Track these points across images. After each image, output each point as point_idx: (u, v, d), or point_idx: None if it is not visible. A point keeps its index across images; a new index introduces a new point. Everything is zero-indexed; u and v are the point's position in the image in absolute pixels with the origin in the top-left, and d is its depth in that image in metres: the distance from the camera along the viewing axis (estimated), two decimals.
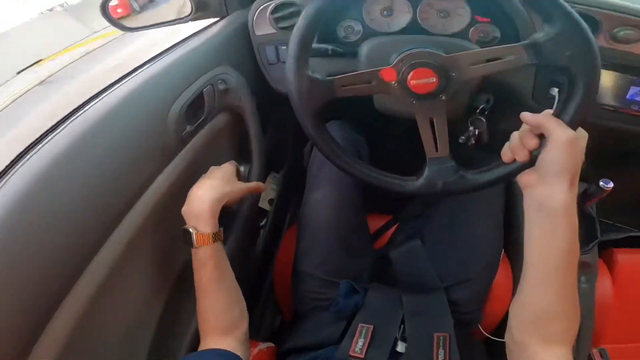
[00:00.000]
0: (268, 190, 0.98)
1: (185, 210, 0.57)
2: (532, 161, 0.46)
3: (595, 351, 0.75)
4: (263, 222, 1.05)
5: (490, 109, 0.73)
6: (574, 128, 0.45)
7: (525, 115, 0.46)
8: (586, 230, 0.78)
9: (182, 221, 0.59)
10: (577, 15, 0.45)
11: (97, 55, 4.90)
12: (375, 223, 0.87)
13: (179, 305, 0.68)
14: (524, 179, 0.46)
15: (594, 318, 0.76)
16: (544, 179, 0.44)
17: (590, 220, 0.79)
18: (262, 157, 0.83)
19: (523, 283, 0.47)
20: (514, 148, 0.47)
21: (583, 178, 0.80)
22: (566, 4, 0.45)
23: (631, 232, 0.94)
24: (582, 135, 0.46)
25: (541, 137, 0.45)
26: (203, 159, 0.71)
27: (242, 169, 0.83)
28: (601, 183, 0.69)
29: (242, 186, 0.65)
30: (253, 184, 0.69)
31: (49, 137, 0.46)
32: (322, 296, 0.68)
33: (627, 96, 0.72)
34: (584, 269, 0.77)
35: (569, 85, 0.48)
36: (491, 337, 0.76)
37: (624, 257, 0.83)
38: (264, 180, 0.87)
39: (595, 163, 0.87)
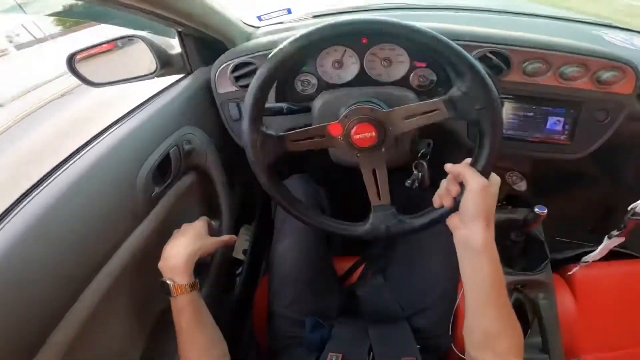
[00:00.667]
0: (242, 242, 1.01)
1: (161, 265, 0.61)
2: (455, 206, 0.53)
3: None
4: (239, 270, 1.06)
5: (432, 151, 0.79)
6: (487, 175, 0.52)
7: (447, 166, 0.54)
8: (535, 252, 0.83)
9: (157, 276, 0.61)
10: (482, 71, 0.52)
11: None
12: (345, 264, 0.90)
13: (160, 349, 0.69)
14: (451, 221, 0.53)
15: (560, 331, 0.79)
16: (464, 222, 0.51)
17: (538, 242, 0.85)
18: (231, 212, 0.86)
19: (467, 308, 0.54)
20: (442, 195, 0.55)
21: (525, 205, 0.88)
22: (474, 61, 0.52)
23: (585, 248, 1.00)
24: (494, 181, 0.53)
25: (462, 184, 0.52)
26: (173, 217, 0.73)
27: (213, 223, 0.87)
28: (536, 209, 0.75)
29: (214, 241, 0.69)
30: (224, 238, 0.73)
31: (21, 205, 0.49)
32: (292, 334, 0.72)
33: (547, 127, 0.79)
34: (540, 286, 0.82)
35: (479, 138, 0.55)
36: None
37: (579, 272, 0.87)
38: (236, 233, 0.91)
39: (535, 190, 0.95)
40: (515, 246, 0.83)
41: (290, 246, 0.79)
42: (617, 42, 0.99)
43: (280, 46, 0.55)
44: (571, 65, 0.74)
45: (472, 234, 0.50)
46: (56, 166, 0.57)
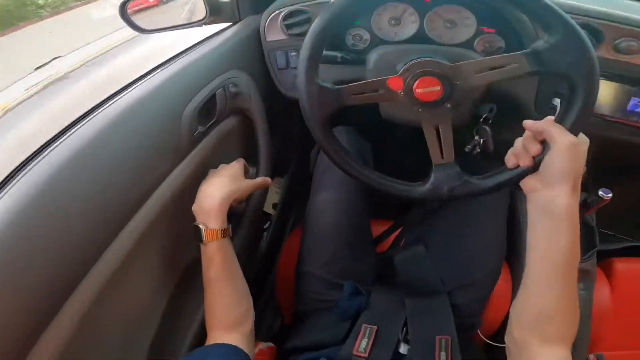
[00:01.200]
0: (272, 194, 1.00)
1: (195, 207, 0.59)
2: (535, 166, 0.48)
3: (592, 357, 0.76)
4: (267, 225, 1.06)
5: (494, 118, 0.74)
6: (576, 134, 0.47)
7: (528, 122, 0.48)
8: (585, 239, 0.78)
9: (192, 218, 0.60)
10: (575, 24, 0.47)
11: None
12: (377, 228, 0.88)
13: (184, 301, 0.69)
14: (528, 183, 0.48)
15: (591, 324, 0.77)
16: (548, 183, 0.46)
17: (589, 229, 0.80)
18: (269, 161, 0.85)
19: (525, 284, 0.49)
20: (517, 154, 0.49)
21: (583, 188, 0.82)
22: (564, 14, 0.47)
23: (630, 243, 0.96)
24: (584, 140, 0.48)
25: (543, 143, 0.47)
26: (213, 159, 0.73)
27: (250, 170, 0.86)
28: (600, 192, 0.70)
29: (249, 183, 0.67)
30: (260, 180, 0.71)
31: (69, 133, 0.49)
32: (325, 297, 0.69)
33: (628, 108, 0.73)
34: (582, 276, 0.78)
35: (569, 93, 0.50)
36: (490, 343, 0.77)
37: (623, 266, 0.84)
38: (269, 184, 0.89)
39: (595, 173, 0.89)
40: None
41: (330, 199, 0.75)
42: None
43: None
44: None
45: (556, 197, 0.45)
46: (105, 99, 0.56)
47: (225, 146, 0.78)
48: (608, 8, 0.73)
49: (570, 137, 0.44)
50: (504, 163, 0.53)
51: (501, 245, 0.72)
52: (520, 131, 0.51)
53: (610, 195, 0.70)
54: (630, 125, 0.75)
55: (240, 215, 0.81)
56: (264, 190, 0.85)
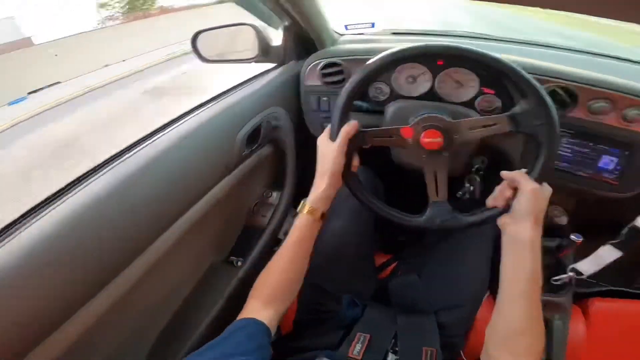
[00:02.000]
0: (288, 223, 1.09)
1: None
2: (507, 207, 0.61)
3: None
4: (276, 248, 1.17)
5: (485, 169, 0.85)
6: (540, 183, 0.60)
7: (504, 173, 0.62)
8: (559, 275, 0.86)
9: (224, 223, 0.74)
10: (545, 94, 0.60)
11: None
12: (379, 259, 0.98)
13: (195, 307, 0.79)
14: (502, 220, 0.61)
15: (566, 353, 0.83)
16: (515, 220, 0.58)
17: (562, 267, 0.88)
18: (292, 186, 0.99)
19: (497, 304, 0.58)
20: (495, 197, 0.63)
21: (560, 234, 0.92)
22: (538, 85, 0.60)
23: (608, 287, 1.04)
24: (546, 189, 0.60)
25: (515, 189, 0.60)
26: (250, 178, 0.88)
27: (274, 194, 1.00)
28: (572, 237, 0.79)
29: (335, 154, 0.66)
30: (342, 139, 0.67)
31: (144, 144, 0.63)
32: (324, 308, 0.76)
33: (599, 164, 0.82)
34: (558, 309, 0.87)
35: (535, 150, 0.63)
36: None
37: (598, 305, 0.91)
38: (292, 206, 1.02)
39: (575, 227, 0.99)
40: (545, 269, 0.88)
41: (344, 226, 0.83)
42: None
43: (374, 59, 0.65)
44: (635, 108, 0.76)
45: (521, 229, 0.56)
46: (170, 121, 0.71)
47: (260, 168, 0.93)
48: (585, 69, 0.82)
49: (533, 185, 0.57)
50: (484, 206, 0.66)
51: (485, 274, 0.81)
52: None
53: (581, 239, 0.78)
54: (602, 181, 0.83)
55: (262, 229, 0.94)
56: (284, 211, 0.98)
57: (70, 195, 0.51)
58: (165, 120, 0.71)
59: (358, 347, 0.64)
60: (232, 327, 0.54)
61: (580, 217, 1.00)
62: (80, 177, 0.55)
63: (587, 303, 0.92)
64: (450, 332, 0.74)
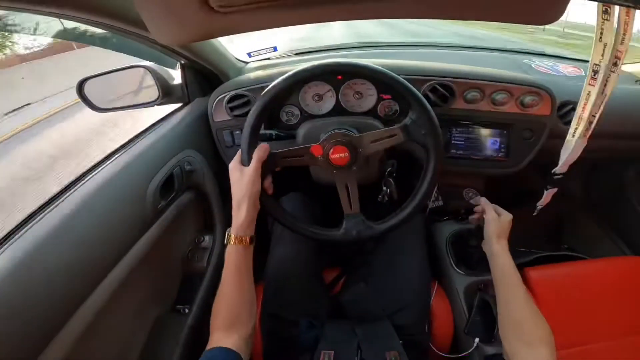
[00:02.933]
0: None
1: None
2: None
3: None
4: None
5: (397, 170, 0.91)
6: (434, 182, 0.71)
7: (481, 200, 0.85)
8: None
9: (157, 278, 0.70)
10: (426, 104, 0.67)
11: None
12: (330, 274, 0.98)
13: (153, 351, 0.75)
14: (483, 246, 0.81)
15: None
16: (485, 241, 0.80)
17: None
18: (223, 227, 0.95)
19: (498, 306, 0.73)
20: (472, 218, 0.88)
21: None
22: (420, 96, 0.67)
23: (538, 254, 1.13)
24: (505, 217, 0.80)
25: None
26: (174, 228, 0.83)
27: (206, 237, 0.95)
28: (465, 192, 0.91)
29: (249, 180, 0.66)
30: (255, 162, 0.67)
31: (47, 210, 0.57)
32: (287, 334, 0.76)
33: (487, 146, 0.93)
34: None
35: (426, 155, 0.70)
36: (446, 356, 0.86)
37: (536, 274, 0.96)
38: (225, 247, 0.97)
39: (498, 202, 1.07)
40: (475, 251, 0.92)
41: (288, 251, 0.85)
42: (542, 69, 1.13)
43: (275, 82, 0.67)
44: (499, 92, 0.88)
45: (490, 247, 0.77)
46: (77, 179, 0.66)
47: (185, 215, 0.88)
48: (464, 64, 0.94)
49: (492, 214, 0.80)
50: (398, 207, 0.73)
51: (424, 272, 0.86)
52: (415, 179, 0.72)
53: (478, 195, 0.92)
54: (493, 160, 0.94)
55: (202, 274, 0.89)
56: (220, 252, 0.94)
57: None
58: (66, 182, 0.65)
59: None
60: None
61: (494, 195, 1.09)
62: None
63: (524, 274, 0.97)
64: (409, 331, 0.77)
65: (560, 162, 0.82)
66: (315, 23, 0.40)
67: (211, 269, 0.90)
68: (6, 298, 0.45)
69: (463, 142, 0.94)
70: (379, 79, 0.68)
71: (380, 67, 0.67)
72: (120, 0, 0.61)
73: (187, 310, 0.84)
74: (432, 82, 0.89)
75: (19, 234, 0.52)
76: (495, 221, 0.78)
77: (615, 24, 0.56)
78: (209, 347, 0.59)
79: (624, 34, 0.56)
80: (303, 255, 0.86)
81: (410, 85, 0.67)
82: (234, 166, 0.68)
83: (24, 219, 0.55)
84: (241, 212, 0.65)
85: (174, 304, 0.87)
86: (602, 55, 0.61)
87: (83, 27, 0.67)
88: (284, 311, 0.78)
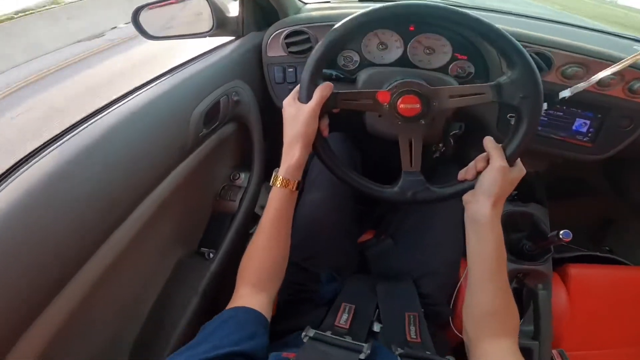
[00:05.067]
0: (263, 197, 1.05)
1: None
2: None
3: (555, 352, 0.81)
4: (252, 230, 1.11)
5: (462, 134, 0.84)
6: (513, 159, 0.58)
7: (485, 139, 0.59)
8: (543, 248, 0.87)
9: (190, 212, 0.67)
10: (533, 64, 0.57)
11: None
12: (359, 228, 0.94)
13: (173, 296, 0.73)
14: (464, 197, 0.58)
15: (552, 320, 0.84)
16: (475, 197, 0.56)
17: (544, 236, 0.89)
18: (262, 166, 0.92)
19: (468, 285, 0.57)
20: (468, 169, 0.60)
21: (536, 201, 0.92)
22: (527, 55, 0.57)
23: (582, 251, 1.07)
24: (517, 169, 0.57)
25: (487, 164, 0.57)
26: (212, 159, 0.79)
27: (242, 175, 0.92)
28: (561, 234, 0.76)
29: (308, 115, 0.59)
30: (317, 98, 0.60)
31: (86, 124, 0.53)
32: (305, 287, 0.74)
33: (573, 127, 0.84)
34: (540, 277, 0.87)
35: (515, 124, 0.60)
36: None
37: (576, 272, 0.92)
38: (261, 188, 0.95)
39: (548, 191, 1.00)
40: (522, 238, 0.88)
41: (321, 199, 0.80)
42: None
43: (347, 19, 0.60)
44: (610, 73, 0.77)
45: (480, 209, 0.54)
46: (121, 96, 0.62)
47: (224, 149, 0.84)
48: (560, 37, 0.83)
49: (501, 163, 0.54)
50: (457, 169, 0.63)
51: (458, 241, 0.79)
52: (482, 148, 0.61)
53: (570, 237, 0.75)
54: (575, 143, 0.86)
55: (232, 215, 0.87)
56: (255, 192, 0.91)
57: (7, 182, 0.42)
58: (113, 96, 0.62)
59: (345, 316, 0.63)
60: (219, 318, 0.50)
61: (552, 181, 1.01)
62: (16, 163, 0.45)
63: (565, 270, 0.93)
64: (432, 300, 0.74)
65: (571, 91, 0.71)
66: None
67: (243, 210, 0.87)
68: (33, 214, 0.42)
69: (546, 118, 0.86)
70: (478, 30, 0.58)
71: (479, 17, 0.57)
72: None
73: (211, 255, 0.81)
74: (529, 49, 0.77)
75: (56, 145, 0.48)
76: (499, 173, 0.54)
77: None
78: (232, 302, 0.55)
79: None
80: (337, 204, 0.81)
81: (515, 41, 0.57)
82: (289, 102, 0.61)
83: (62, 132, 0.51)
84: (293, 152, 0.59)
85: (198, 247, 0.84)
86: None
87: None
88: (307, 263, 0.75)
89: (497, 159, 0.55)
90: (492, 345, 0.52)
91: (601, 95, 0.80)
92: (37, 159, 0.46)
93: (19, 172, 0.44)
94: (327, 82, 0.60)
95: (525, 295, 0.89)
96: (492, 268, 0.54)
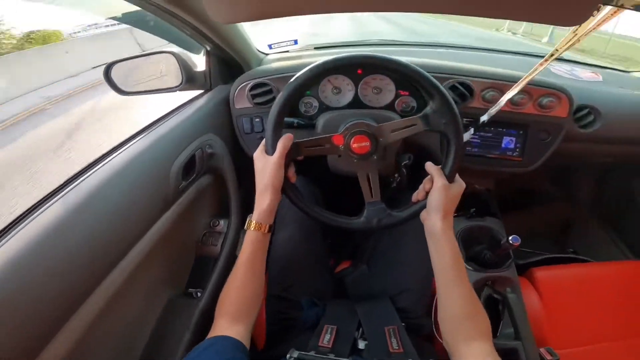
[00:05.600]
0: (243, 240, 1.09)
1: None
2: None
3: (543, 350, 0.82)
4: None
5: (413, 163, 0.91)
6: (452, 177, 0.68)
7: (426, 164, 0.69)
8: (501, 254, 0.94)
9: (176, 255, 0.71)
10: (447, 95, 0.67)
11: None
12: (332, 261, 1.00)
13: (164, 330, 0.76)
14: (421, 215, 0.67)
15: (529, 321, 0.87)
16: (428, 214, 0.65)
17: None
18: (239, 212, 0.98)
19: (437, 295, 0.63)
20: (419, 191, 0.69)
21: (492, 215, 1.01)
22: (441, 87, 0.67)
23: (544, 255, 1.15)
24: (458, 184, 0.67)
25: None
26: (192, 210, 0.85)
27: (222, 222, 0.97)
28: (510, 239, 0.81)
29: (273, 167, 0.66)
30: (280, 150, 0.67)
31: (74, 184, 0.58)
32: (290, 315, 0.78)
33: (503, 145, 0.95)
34: (507, 282, 0.93)
35: (446, 146, 0.70)
36: None
37: (541, 274, 0.98)
38: (240, 232, 1.00)
39: (501, 204, 1.09)
40: (483, 249, 0.95)
41: (291, 235, 0.86)
42: (561, 73, 1.14)
43: (300, 72, 0.68)
44: (518, 93, 0.86)
45: (434, 223, 0.63)
46: (103, 155, 0.68)
47: (203, 198, 0.90)
48: (478, 64, 0.94)
49: (442, 180, 0.64)
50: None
51: (426, 258, 0.82)
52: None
53: (518, 242, 0.81)
54: (507, 159, 0.95)
55: (215, 258, 0.92)
56: (235, 237, 0.97)
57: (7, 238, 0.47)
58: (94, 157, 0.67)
59: (327, 337, 0.67)
60: (199, 348, 0.53)
61: (503, 195, 1.11)
62: (10, 223, 0.50)
63: (531, 274, 0.99)
64: (412, 314, 0.79)
65: (488, 115, 0.81)
66: (355, 12, 0.42)
67: (225, 253, 0.92)
68: (28, 269, 0.46)
69: (479, 141, 0.96)
70: (401, 71, 0.68)
71: (402, 60, 0.68)
72: None
73: (199, 294, 0.85)
74: (452, 80, 0.91)
75: (43, 208, 0.53)
76: (442, 190, 0.63)
77: (596, 20, 0.54)
78: (212, 333, 0.58)
79: (593, 28, 0.55)
80: (306, 238, 0.88)
81: (431, 76, 0.68)
82: (258, 155, 0.69)
83: (50, 193, 0.56)
84: (264, 199, 0.66)
85: (186, 287, 0.88)
86: (566, 44, 0.60)
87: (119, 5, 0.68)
88: (287, 293, 0.80)
89: (438, 179, 0.65)
90: (469, 347, 0.56)
91: (518, 114, 0.92)
92: (33, 216, 0.51)
93: (18, 228, 0.49)
94: (288, 134, 0.68)
95: (499, 301, 0.94)
96: (453, 275, 0.60)
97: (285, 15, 0.41)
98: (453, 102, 0.68)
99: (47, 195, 0.56)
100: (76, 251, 0.52)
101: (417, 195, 0.70)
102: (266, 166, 0.66)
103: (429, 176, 0.68)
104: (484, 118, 0.81)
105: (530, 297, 0.95)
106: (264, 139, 0.69)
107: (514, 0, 0.40)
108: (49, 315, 0.47)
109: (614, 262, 1.17)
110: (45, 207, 0.53)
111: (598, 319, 0.94)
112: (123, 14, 0.90)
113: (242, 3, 0.39)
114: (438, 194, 0.64)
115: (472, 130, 0.79)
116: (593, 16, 0.54)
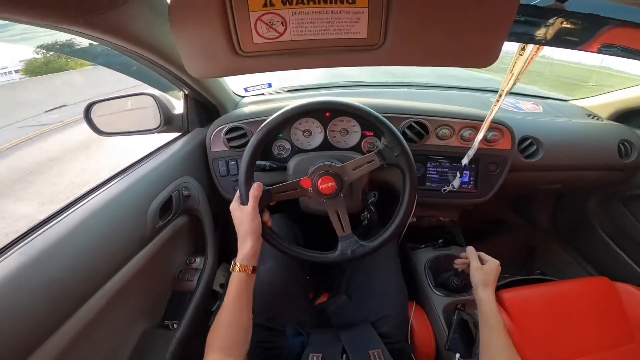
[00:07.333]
0: (219, 277, 1.10)
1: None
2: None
3: None
4: (214, 307, 1.14)
5: (378, 200, 0.96)
6: (413, 199, 0.75)
7: (467, 248, 0.87)
8: (469, 281, 0.96)
9: (151, 292, 0.74)
10: (396, 130, 0.74)
11: None
12: (312, 292, 1.02)
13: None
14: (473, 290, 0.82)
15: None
16: (474, 288, 0.81)
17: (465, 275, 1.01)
18: (214, 251, 1.00)
19: (480, 348, 0.74)
20: (464, 262, 0.89)
21: (459, 244, 1.07)
22: (389, 124, 0.74)
23: (511, 278, 1.20)
24: (491, 264, 0.83)
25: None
26: (168, 248, 0.87)
27: (198, 259, 1.00)
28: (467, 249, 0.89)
29: (249, 217, 0.72)
30: (252, 201, 0.73)
31: (56, 220, 0.62)
32: (272, 345, 0.80)
33: (462, 179, 1.00)
34: (474, 305, 0.93)
35: (402, 176, 0.76)
36: None
37: (508, 295, 1.01)
38: (216, 269, 1.03)
39: (468, 234, 1.15)
40: (450, 276, 1.00)
41: (272, 267, 0.89)
42: (505, 106, 1.24)
43: (269, 119, 0.74)
44: (467, 129, 0.96)
45: (477, 294, 0.80)
46: (84, 194, 0.71)
47: (179, 237, 0.92)
48: (434, 102, 1.00)
49: (475, 263, 0.84)
50: (382, 227, 0.78)
51: (401, 286, 0.92)
52: (394, 208, 0.77)
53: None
54: (464, 192, 1.00)
55: (192, 292, 0.93)
56: (211, 273, 0.99)
57: None
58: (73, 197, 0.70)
59: None
60: None
61: (468, 226, 1.17)
62: None
63: (499, 296, 1.02)
64: (392, 339, 0.82)
65: (466, 158, 0.90)
66: (315, 68, 0.49)
67: (201, 288, 0.94)
68: (5, 300, 0.49)
69: (437, 176, 1.02)
70: (353, 113, 0.75)
71: (356, 104, 0.74)
72: (148, 31, 0.67)
73: (175, 326, 0.86)
74: (409, 119, 0.98)
75: (26, 241, 0.56)
76: (479, 270, 0.82)
77: (525, 59, 0.66)
78: None
79: (526, 66, 0.67)
80: (286, 270, 0.91)
81: (379, 115, 0.74)
82: (234, 207, 0.74)
83: (32, 228, 0.59)
84: (246, 245, 0.71)
85: (162, 320, 0.89)
86: (507, 83, 0.73)
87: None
88: (271, 322, 0.82)
89: (473, 262, 0.84)
90: None
91: (466, 149, 0.98)
92: (15, 248, 0.54)
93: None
94: (257, 183, 0.73)
95: (470, 324, 0.97)
96: (491, 329, 0.73)
97: (254, 72, 0.48)
98: (401, 136, 0.74)
99: (30, 229, 0.60)
100: (54, 281, 0.55)
101: (457, 263, 0.89)
102: (243, 216, 0.72)
103: (465, 253, 0.87)
104: (465, 161, 0.90)
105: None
106: (237, 192, 0.74)
107: (434, 50, 0.48)
108: (20, 343, 0.50)
109: (578, 280, 1.20)
110: (27, 240, 0.56)
111: (568, 334, 0.97)
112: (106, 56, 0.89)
113: (215, 61, 0.45)
114: (474, 274, 0.82)
115: (458, 174, 0.88)
116: (521, 55, 0.64)
